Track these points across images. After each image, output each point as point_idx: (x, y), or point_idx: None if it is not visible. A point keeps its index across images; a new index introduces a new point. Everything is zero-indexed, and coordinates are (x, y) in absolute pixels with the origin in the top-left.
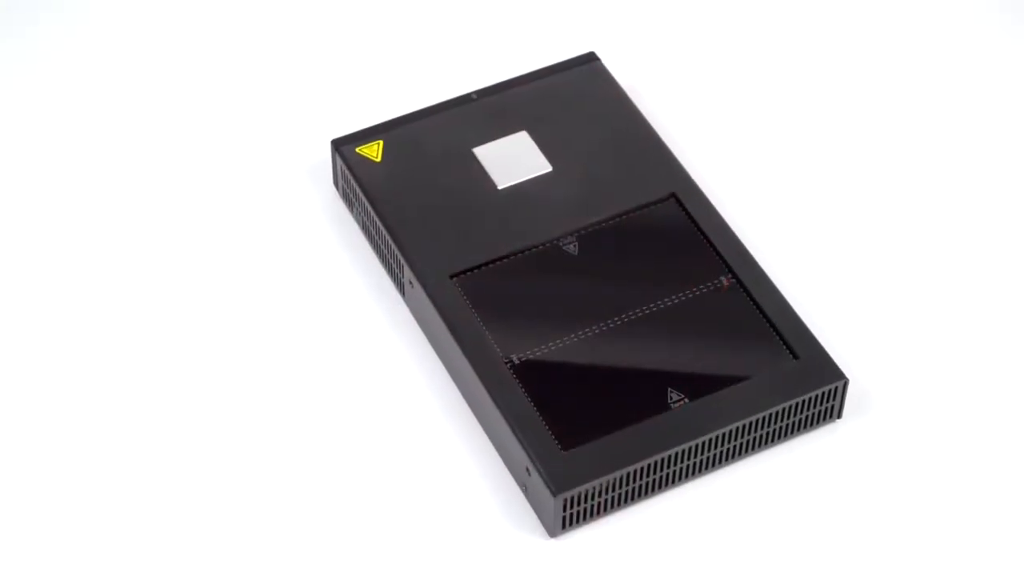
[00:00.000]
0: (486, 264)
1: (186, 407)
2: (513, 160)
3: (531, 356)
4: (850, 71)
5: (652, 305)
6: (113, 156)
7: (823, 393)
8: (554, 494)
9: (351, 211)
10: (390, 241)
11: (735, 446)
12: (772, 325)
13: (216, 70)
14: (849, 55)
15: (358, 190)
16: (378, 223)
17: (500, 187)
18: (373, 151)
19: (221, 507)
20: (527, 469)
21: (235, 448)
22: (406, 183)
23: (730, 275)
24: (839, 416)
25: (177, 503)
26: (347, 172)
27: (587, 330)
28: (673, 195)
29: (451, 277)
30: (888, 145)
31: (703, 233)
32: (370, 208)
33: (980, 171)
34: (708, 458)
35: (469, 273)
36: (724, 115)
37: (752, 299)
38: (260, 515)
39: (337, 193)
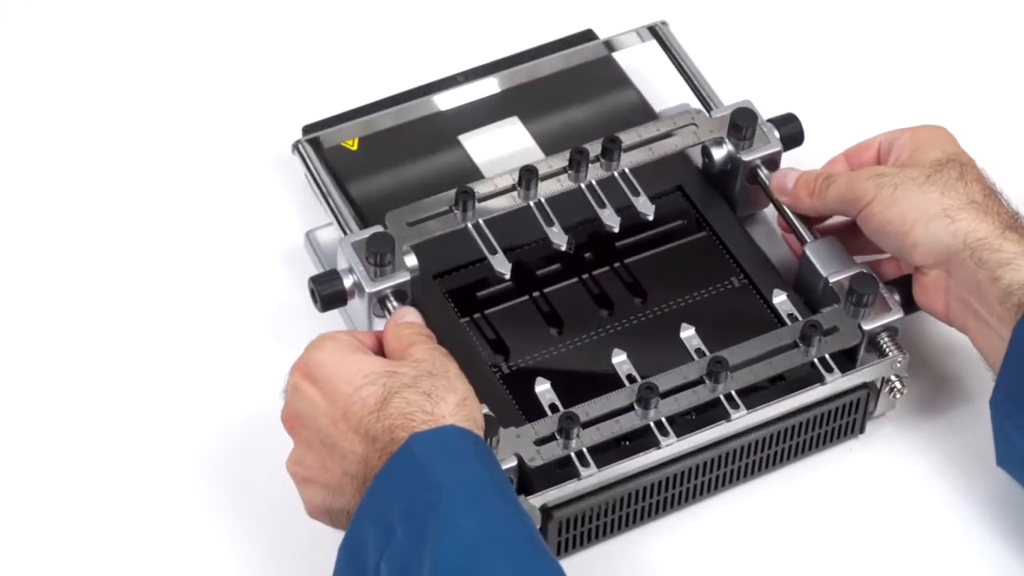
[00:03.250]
0: (473, 263)
1: (145, 403)
2: (503, 149)
3: (521, 364)
4: (860, 53)
5: (655, 308)
6: (88, 147)
7: (844, 405)
8: (548, 517)
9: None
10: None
11: (749, 463)
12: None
13: (182, 55)
14: (858, 34)
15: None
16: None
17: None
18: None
19: (196, 499)
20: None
21: (203, 447)
22: (385, 175)
23: (742, 275)
24: (862, 431)
25: (144, 488)
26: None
27: (583, 336)
28: (679, 187)
29: (435, 277)
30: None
31: (712, 229)
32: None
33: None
34: (720, 476)
35: (455, 273)
36: (731, 98)
37: (765, 302)
38: (238, 512)
39: (308, 185)
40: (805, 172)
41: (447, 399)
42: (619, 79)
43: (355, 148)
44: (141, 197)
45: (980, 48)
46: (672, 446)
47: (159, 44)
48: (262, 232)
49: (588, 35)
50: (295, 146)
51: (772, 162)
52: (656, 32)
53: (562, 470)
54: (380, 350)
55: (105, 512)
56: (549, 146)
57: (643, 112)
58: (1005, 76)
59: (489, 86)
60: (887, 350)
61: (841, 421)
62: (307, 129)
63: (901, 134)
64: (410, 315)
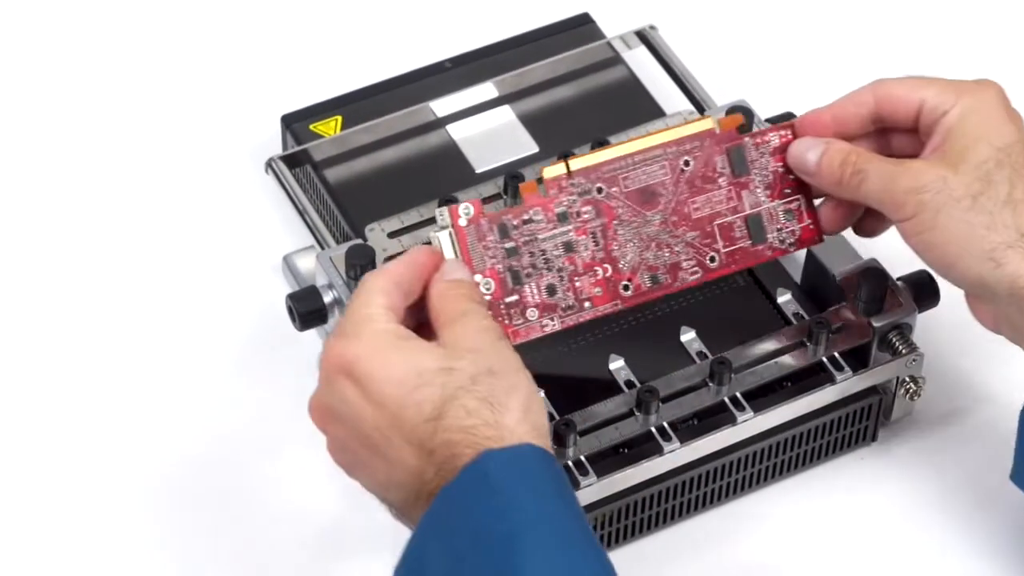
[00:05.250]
0: None
1: (117, 413)
2: (494, 140)
3: None
4: (867, 42)
5: (657, 309)
6: (61, 147)
7: (855, 411)
8: None
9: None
10: (350, 233)
11: (754, 472)
12: None
13: (155, 41)
14: (856, 35)
15: (312, 174)
16: (335, 212)
17: (478, 171)
18: (330, 128)
19: (172, 494)
20: None
21: (176, 461)
22: (367, 159)
23: (747, 272)
24: (874, 439)
25: (110, 483)
26: None
27: (579, 339)
28: None
29: None
30: None
31: None
32: (326, 194)
33: None
34: (723, 487)
35: None
36: (734, 83)
37: (771, 302)
38: (214, 513)
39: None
40: (830, 151)
41: (510, 406)
42: (608, 57)
43: (335, 133)
44: (110, 199)
45: (980, 39)
46: (675, 452)
47: (136, 37)
48: (242, 231)
49: (583, 19)
50: (268, 164)
51: None
52: (644, 37)
53: None
54: (417, 308)
55: (79, 524)
56: (537, 128)
57: (633, 89)
58: (1006, 69)
59: (478, 73)
60: (901, 348)
61: (852, 428)
62: (286, 119)
63: (949, 103)
64: (459, 271)
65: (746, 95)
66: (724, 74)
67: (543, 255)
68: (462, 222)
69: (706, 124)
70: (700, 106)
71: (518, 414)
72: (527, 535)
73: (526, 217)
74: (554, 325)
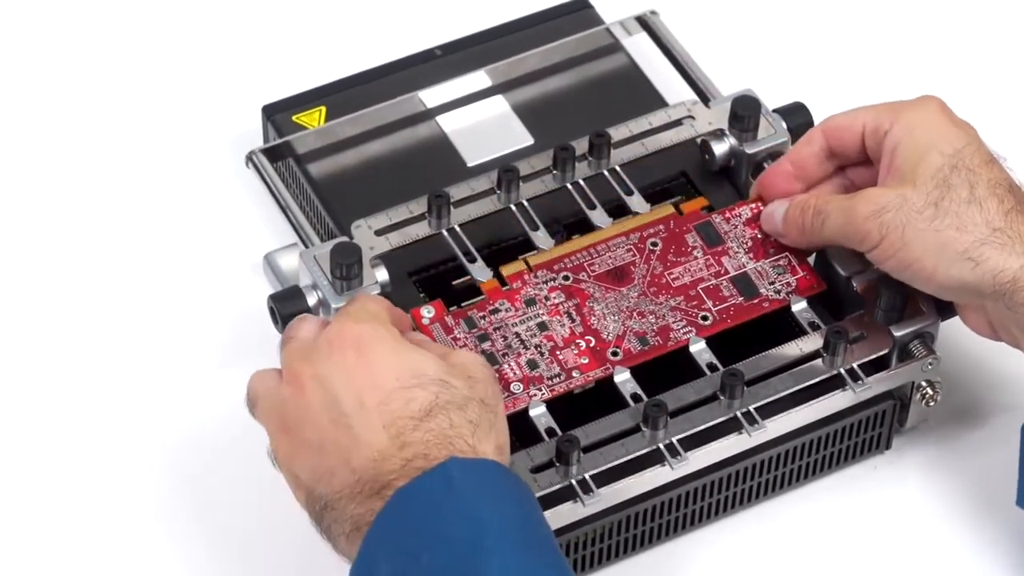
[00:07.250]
0: (453, 260)
1: (94, 415)
2: (486, 131)
3: None
4: (875, 28)
5: None
6: (39, 131)
7: (868, 418)
8: None
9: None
10: (335, 231)
11: (761, 482)
12: None
13: (129, 27)
14: (870, 22)
15: (295, 167)
16: (319, 208)
17: (470, 164)
18: (314, 120)
19: (162, 494)
20: None
21: (153, 453)
22: (352, 153)
23: None
24: (888, 447)
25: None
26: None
27: None
28: (683, 173)
29: (410, 275)
30: None
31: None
32: (309, 189)
33: None
34: (729, 497)
35: (432, 271)
36: (739, 71)
37: (786, 309)
38: (204, 511)
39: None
40: (792, 204)
41: (490, 439)
42: (607, 44)
43: (319, 124)
44: (83, 192)
45: (1003, 24)
46: (681, 465)
47: (109, 23)
48: (221, 228)
49: (581, 4)
50: (249, 157)
51: (780, 155)
52: (645, 23)
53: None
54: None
55: (59, 523)
56: (532, 119)
57: (633, 77)
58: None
59: (470, 60)
60: (918, 355)
61: (865, 435)
62: (267, 110)
63: (888, 122)
64: None
65: (751, 83)
66: (728, 61)
67: (517, 337)
68: (425, 322)
69: (666, 210)
70: (704, 95)
71: (493, 449)
72: (489, 540)
73: (492, 308)
74: (543, 394)
